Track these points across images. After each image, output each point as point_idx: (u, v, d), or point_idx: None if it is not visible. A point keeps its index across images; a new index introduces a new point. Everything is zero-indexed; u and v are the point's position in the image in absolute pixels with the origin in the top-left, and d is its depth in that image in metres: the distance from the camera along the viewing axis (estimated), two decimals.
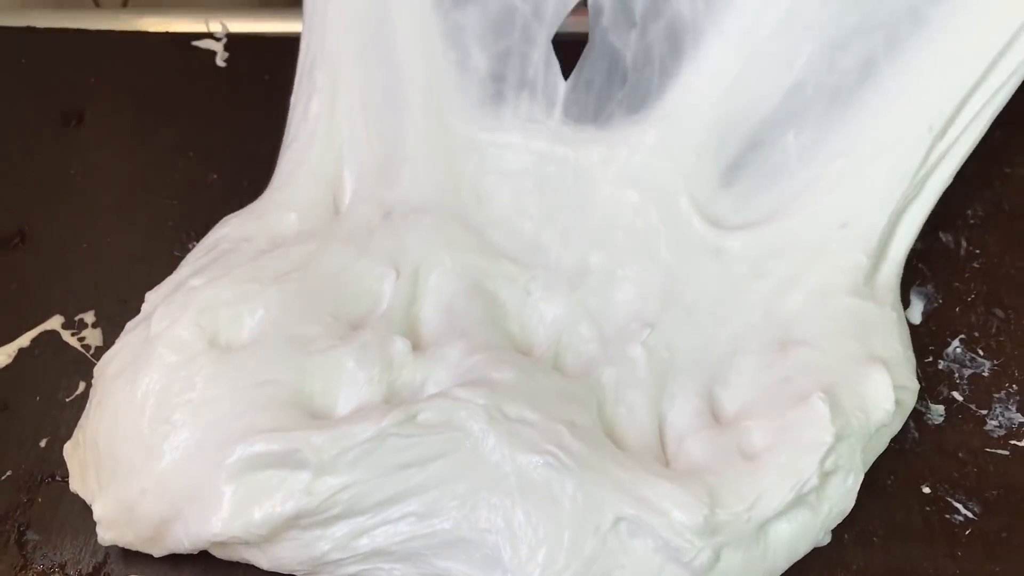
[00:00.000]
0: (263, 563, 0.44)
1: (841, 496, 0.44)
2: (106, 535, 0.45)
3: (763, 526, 0.42)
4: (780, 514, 0.42)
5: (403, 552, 0.42)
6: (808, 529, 0.44)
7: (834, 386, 0.45)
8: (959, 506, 0.46)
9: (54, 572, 0.44)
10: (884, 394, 0.45)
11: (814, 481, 0.42)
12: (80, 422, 0.47)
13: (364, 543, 0.42)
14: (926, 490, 0.47)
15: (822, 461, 0.43)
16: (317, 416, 0.44)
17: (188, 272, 0.49)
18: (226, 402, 0.43)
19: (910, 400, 0.47)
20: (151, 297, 0.49)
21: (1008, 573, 0.44)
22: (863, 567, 0.45)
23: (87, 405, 0.47)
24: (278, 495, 0.42)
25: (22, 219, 0.56)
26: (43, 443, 0.48)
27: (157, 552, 0.44)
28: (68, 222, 0.56)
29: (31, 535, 0.45)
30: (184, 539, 0.43)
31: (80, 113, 0.61)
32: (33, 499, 0.46)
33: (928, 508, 0.46)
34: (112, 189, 0.58)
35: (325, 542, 0.42)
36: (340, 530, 0.42)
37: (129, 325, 0.48)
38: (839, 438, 0.43)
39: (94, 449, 0.45)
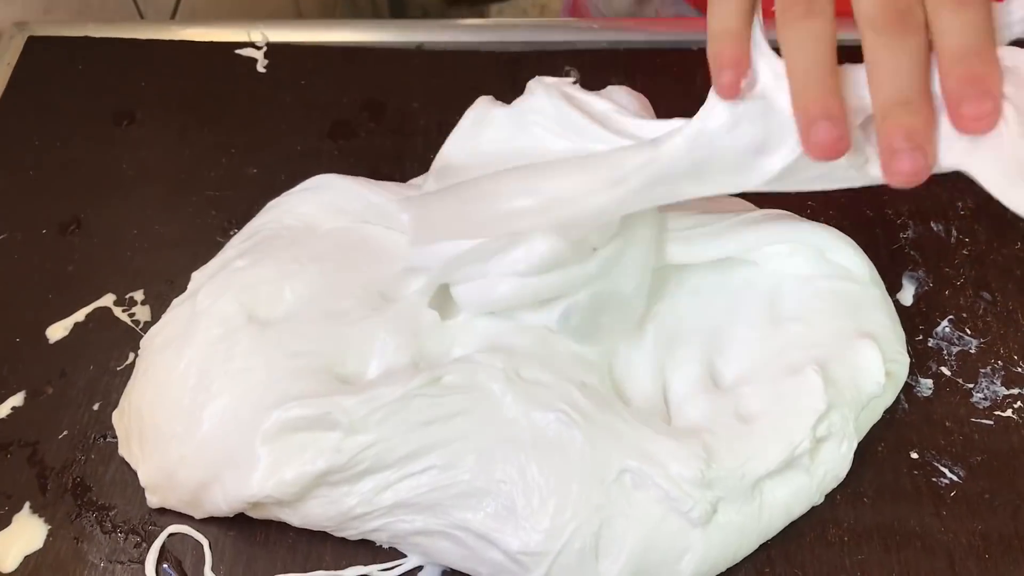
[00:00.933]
0: (295, 521, 0.47)
1: (835, 461, 0.47)
2: (152, 499, 0.49)
3: (757, 485, 0.45)
4: (773, 474, 0.46)
5: (424, 503, 0.45)
6: (803, 491, 0.47)
7: (827, 360, 0.48)
8: (945, 470, 0.49)
9: (104, 522, 0.48)
10: (875, 367, 0.48)
11: (806, 445, 0.45)
12: (125, 391, 0.51)
13: (388, 497, 0.45)
14: (914, 455, 0.50)
15: (814, 427, 0.46)
16: (348, 381, 0.48)
17: (233, 254, 0.53)
18: (262, 372, 0.47)
19: (901, 372, 0.51)
20: (197, 276, 0.53)
21: (989, 530, 0.47)
22: (853, 524, 0.48)
23: (132, 375, 0.51)
24: (309, 454, 0.45)
25: (78, 208, 0.61)
26: (96, 407, 0.52)
27: (198, 515, 0.48)
28: (119, 211, 0.61)
29: (85, 487, 0.49)
30: (222, 502, 0.47)
31: (131, 114, 0.66)
32: (87, 456, 0.50)
33: (916, 472, 0.49)
34: (160, 182, 0.62)
35: (352, 497, 0.46)
36: (367, 485, 0.46)
37: (176, 301, 0.53)
38: (831, 407, 0.46)
39: (138, 418, 0.49)
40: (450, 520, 0.45)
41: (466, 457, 0.45)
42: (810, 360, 0.48)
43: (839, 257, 0.51)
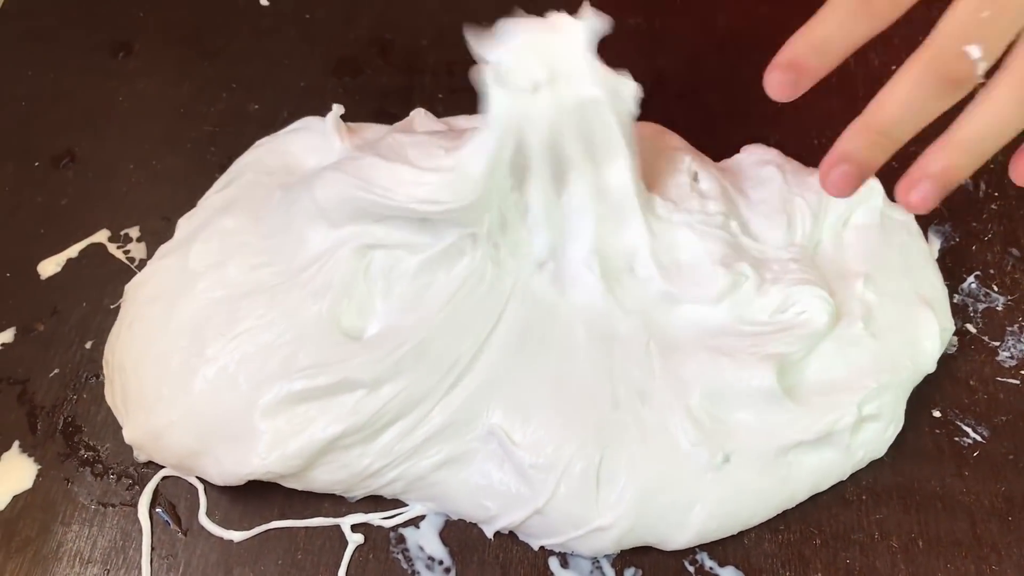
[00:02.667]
0: (297, 486, 0.45)
1: (875, 443, 0.45)
2: (139, 455, 0.47)
3: (786, 453, 0.44)
4: (806, 445, 0.44)
5: (461, 419, 0.44)
6: (834, 468, 0.45)
7: (885, 329, 0.46)
8: (968, 430, 0.47)
9: (96, 464, 0.47)
10: (934, 343, 0.47)
11: (848, 421, 0.43)
12: (109, 340, 0.49)
13: (418, 434, 0.44)
14: (936, 414, 0.48)
15: (861, 404, 0.44)
16: (351, 335, 0.45)
17: (218, 203, 0.50)
18: (264, 335, 0.44)
19: (946, 339, 0.48)
20: (183, 224, 0.51)
21: (1013, 492, 0.45)
22: (872, 483, 0.46)
23: (116, 323, 0.49)
24: (319, 423, 0.43)
25: (72, 141, 0.59)
26: (88, 345, 0.50)
27: (187, 475, 0.46)
28: (115, 145, 0.59)
29: (76, 427, 0.48)
30: (215, 475, 0.45)
31: (129, 45, 0.64)
32: (79, 396, 0.49)
33: (938, 431, 0.47)
34: (158, 116, 0.60)
35: (367, 457, 0.44)
36: (387, 437, 0.44)
37: (162, 250, 0.50)
38: (885, 387, 0.45)
39: (121, 373, 0.47)
40: (474, 433, 0.44)
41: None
42: (867, 326, 0.46)
43: (887, 208, 0.49)
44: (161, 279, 0.48)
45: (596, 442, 0.43)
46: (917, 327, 0.47)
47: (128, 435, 0.46)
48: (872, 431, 0.45)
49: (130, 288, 0.49)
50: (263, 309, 0.45)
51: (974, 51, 0.34)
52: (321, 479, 0.45)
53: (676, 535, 0.43)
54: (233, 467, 0.44)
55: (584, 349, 0.44)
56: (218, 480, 0.45)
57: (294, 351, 0.44)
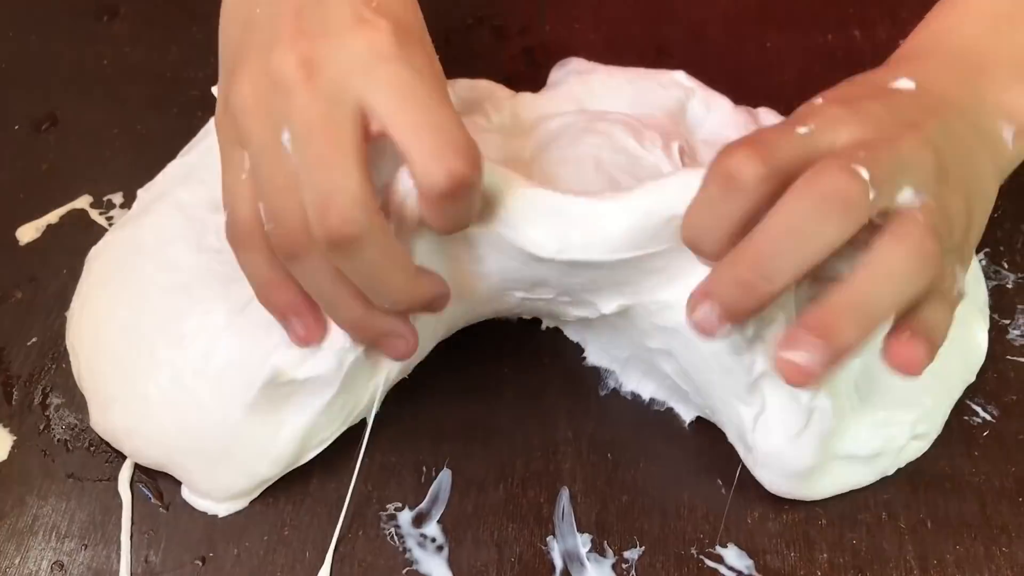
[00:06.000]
0: None
1: (911, 456, 0.44)
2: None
3: (833, 460, 0.42)
4: (855, 458, 0.42)
5: None
6: (865, 480, 0.44)
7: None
8: (978, 408, 0.46)
9: (77, 438, 0.45)
10: (982, 354, 0.46)
11: (900, 442, 0.43)
12: (69, 314, 0.46)
13: None
14: None
15: (915, 424, 0.43)
16: None
17: (177, 173, 0.48)
18: (210, 339, 0.41)
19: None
20: (142, 195, 0.48)
21: None
22: None
23: (74, 297, 0.47)
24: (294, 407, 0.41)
25: (54, 104, 0.57)
26: (67, 314, 0.48)
27: None
28: (99, 109, 0.57)
29: (54, 398, 0.46)
30: (198, 497, 0.43)
31: (115, 8, 0.62)
32: (57, 365, 0.47)
33: None
34: (143, 81, 0.58)
35: None
36: None
37: (121, 221, 0.48)
38: (938, 405, 0.44)
39: (76, 358, 0.45)
40: None
41: None
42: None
43: None
44: (113, 255, 0.46)
45: None
46: (969, 340, 0.46)
47: (92, 425, 0.44)
48: (915, 449, 0.44)
49: (89, 259, 0.47)
50: (208, 304, 0.42)
51: (863, 171, 0.31)
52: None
53: None
54: (231, 482, 0.42)
55: None
56: (201, 504, 0.43)
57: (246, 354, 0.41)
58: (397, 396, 0.45)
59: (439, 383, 0.46)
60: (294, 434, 0.41)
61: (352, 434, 0.43)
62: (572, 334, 0.48)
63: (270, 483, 0.43)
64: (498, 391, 0.47)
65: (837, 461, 0.42)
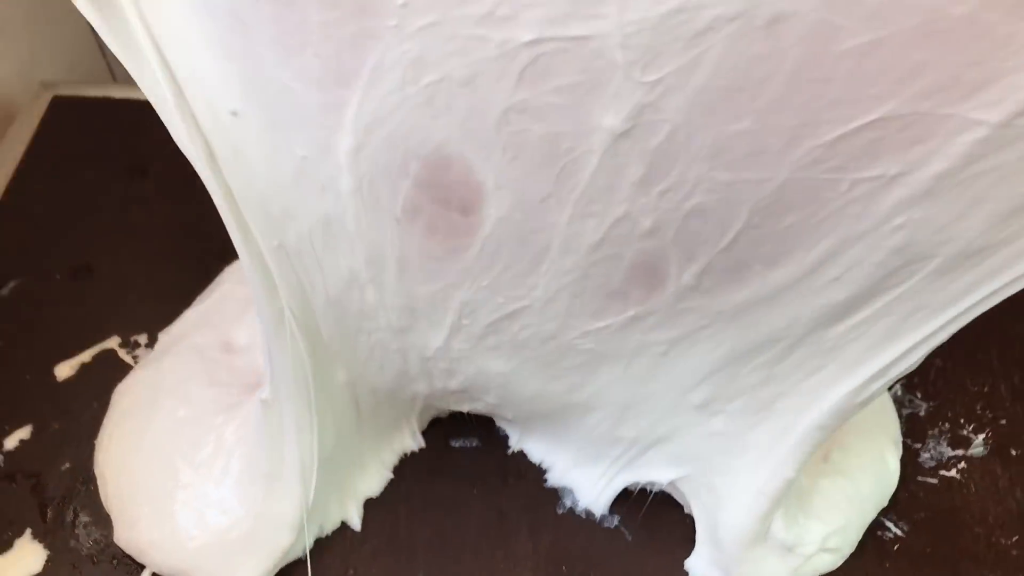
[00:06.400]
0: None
1: (823, 569, 0.49)
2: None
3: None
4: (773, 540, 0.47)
5: None
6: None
7: (854, 469, 0.49)
8: (890, 525, 0.52)
9: (102, 552, 0.51)
10: (892, 483, 0.51)
11: (810, 549, 0.47)
12: (97, 443, 0.54)
13: None
14: None
15: (826, 538, 0.48)
16: None
17: (193, 317, 0.55)
18: (237, 448, 0.48)
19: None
20: (163, 338, 0.56)
21: None
22: None
23: (102, 428, 0.54)
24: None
25: (90, 255, 0.65)
26: (96, 442, 0.56)
27: None
28: (129, 260, 0.65)
29: (83, 516, 0.53)
30: None
31: (144, 168, 0.71)
32: (87, 488, 0.54)
33: None
34: (167, 234, 0.66)
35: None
36: None
37: (146, 359, 0.56)
38: (850, 524, 0.48)
39: (103, 481, 0.52)
40: None
41: None
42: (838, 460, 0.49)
43: None
44: (136, 393, 0.53)
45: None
46: (882, 468, 0.51)
47: (116, 540, 0.51)
48: (828, 562, 0.48)
49: (115, 395, 0.54)
50: (220, 429, 0.49)
51: None
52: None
53: None
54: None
55: None
56: None
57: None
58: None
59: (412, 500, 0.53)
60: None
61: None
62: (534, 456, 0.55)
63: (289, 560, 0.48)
64: (468, 508, 0.53)
65: (760, 547, 0.47)
